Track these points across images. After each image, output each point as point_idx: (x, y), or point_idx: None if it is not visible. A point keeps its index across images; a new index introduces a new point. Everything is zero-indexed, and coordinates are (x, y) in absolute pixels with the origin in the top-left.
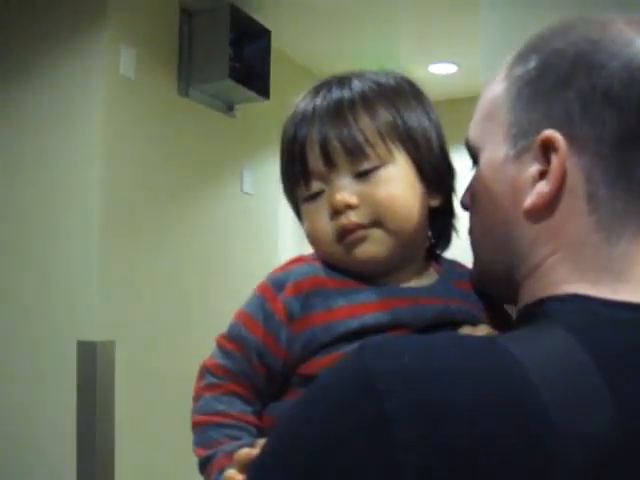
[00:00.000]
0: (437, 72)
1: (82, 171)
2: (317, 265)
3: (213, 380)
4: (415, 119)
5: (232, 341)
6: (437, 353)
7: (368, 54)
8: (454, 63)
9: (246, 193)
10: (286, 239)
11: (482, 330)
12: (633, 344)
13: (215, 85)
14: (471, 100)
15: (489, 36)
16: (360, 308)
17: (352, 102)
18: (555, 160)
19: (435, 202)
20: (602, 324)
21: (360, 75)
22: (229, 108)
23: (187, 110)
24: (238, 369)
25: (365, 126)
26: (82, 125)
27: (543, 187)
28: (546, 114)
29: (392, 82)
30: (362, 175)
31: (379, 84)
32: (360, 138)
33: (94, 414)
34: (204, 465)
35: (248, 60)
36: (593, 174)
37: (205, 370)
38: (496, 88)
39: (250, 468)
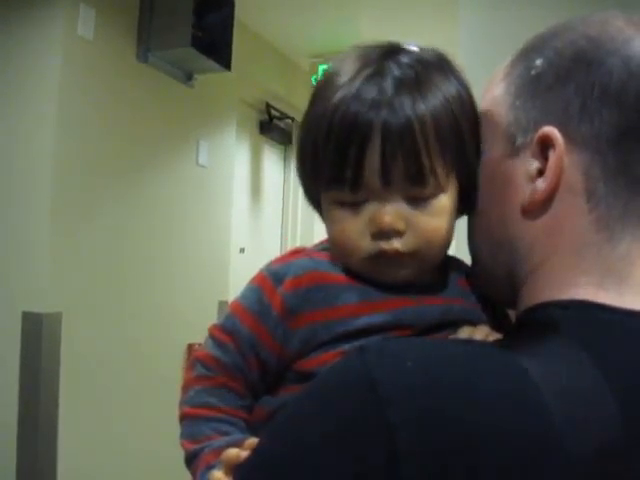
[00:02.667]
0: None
1: (35, 135)
2: (319, 259)
3: (204, 372)
4: (471, 139)
5: (226, 333)
6: (441, 363)
7: (330, 31)
8: (415, 44)
9: (201, 165)
10: (240, 212)
11: (482, 331)
12: (632, 351)
13: (176, 52)
14: None
15: (468, 30)
16: (364, 307)
17: (424, 123)
18: (552, 157)
19: (459, 215)
20: (611, 335)
21: (426, 80)
22: (188, 77)
23: (145, 76)
24: (231, 362)
25: (433, 155)
26: (36, 86)
27: (541, 184)
28: (544, 111)
29: (454, 91)
30: (415, 200)
31: (446, 99)
32: (427, 166)
33: (38, 386)
34: (191, 459)
35: (210, 29)
36: (592, 171)
37: (196, 361)
38: (495, 88)
39: (239, 471)
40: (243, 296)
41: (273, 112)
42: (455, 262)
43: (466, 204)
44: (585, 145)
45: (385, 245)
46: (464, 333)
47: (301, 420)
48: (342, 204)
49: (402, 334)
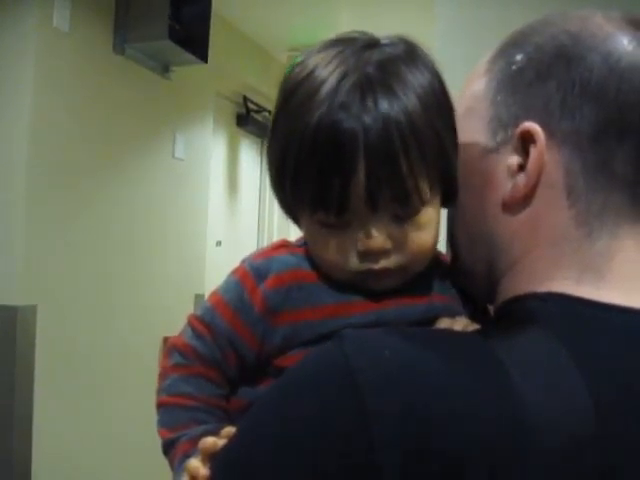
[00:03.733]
0: (385, 39)
1: (9, 127)
2: (301, 255)
3: (181, 360)
4: (449, 137)
5: (205, 325)
6: (418, 352)
7: (309, 24)
8: (386, 39)
9: (177, 158)
10: (216, 205)
11: (460, 322)
12: (617, 348)
13: (153, 44)
14: None
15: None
16: (346, 307)
17: (407, 145)
18: (533, 152)
19: None
20: (588, 328)
21: (401, 82)
22: (165, 70)
23: (121, 68)
24: (208, 353)
25: (418, 174)
26: (11, 78)
27: (521, 179)
28: (526, 107)
29: (431, 95)
30: (402, 219)
31: (425, 106)
32: (411, 187)
33: (13, 379)
34: (168, 448)
35: (187, 21)
36: (572, 167)
37: (173, 349)
38: (476, 83)
39: (216, 459)
40: (223, 289)
41: (250, 105)
42: (435, 257)
43: (446, 198)
44: (566, 141)
45: (374, 265)
46: (443, 324)
47: (280, 408)
48: (325, 225)
49: None
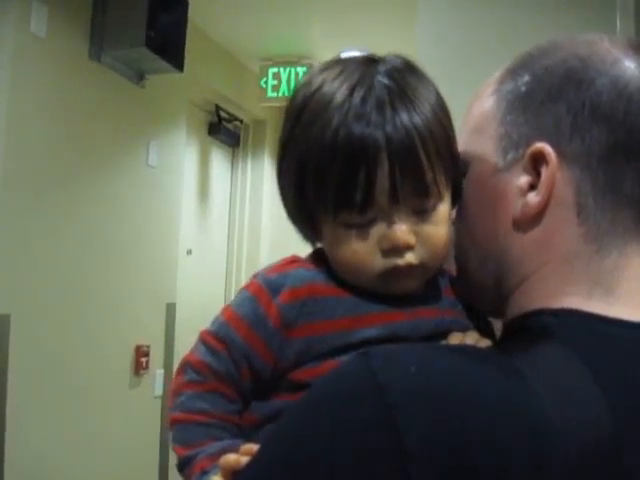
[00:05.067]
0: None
1: None
2: (315, 270)
3: (195, 377)
4: (455, 145)
5: (219, 340)
6: (443, 368)
7: (281, 34)
8: (365, 51)
9: (151, 166)
10: (187, 214)
11: (471, 337)
12: (631, 362)
13: (129, 52)
14: None
15: (424, 33)
16: (361, 321)
17: (424, 137)
18: (545, 172)
19: None
20: (602, 343)
21: (410, 86)
22: (139, 77)
23: (97, 76)
24: (223, 369)
25: (435, 165)
26: None
27: (533, 198)
28: (536, 127)
29: (436, 99)
30: (420, 213)
31: (433, 107)
32: (430, 178)
33: None
34: (184, 465)
35: (164, 30)
36: (582, 186)
37: (187, 365)
38: (485, 103)
39: (241, 477)
40: (237, 304)
41: (222, 114)
42: (441, 271)
43: (452, 199)
44: (576, 161)
45: (399, 261)
46: (455, 339)
47: (308, 424)
48: (349, 226)
49: None
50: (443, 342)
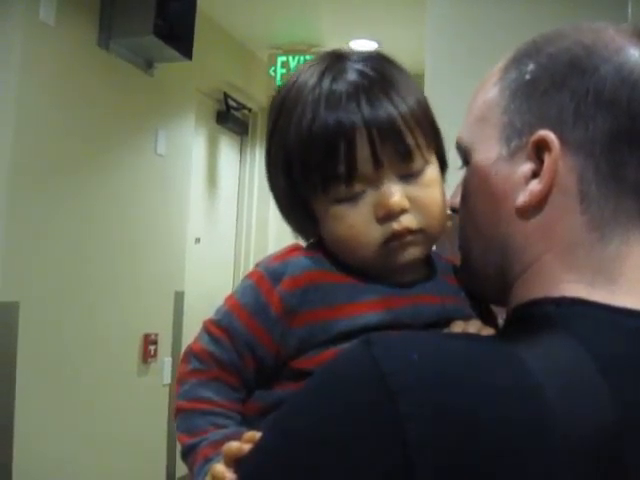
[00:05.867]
0: (358, 49)
1: None
2: (316, 257)
3: (199, 366)
4: (429, 108)
5: (221, 329)
6: (446, 356)
7: (290, 27)
8: (374, 40)
9: (159, 155)
10: (196, 202)
11: (474, 325)
12: (634, 350)
13: (137, 40)
14: None
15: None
16: (362, 307)
17: (398, 103)
18: (548, 159)
19: None
20: (604, 331)
21: (364, 55)
22: (148, 65)
23: (106, 64)
24: (226, 358)
25: (414, 130)
26: None
27: (535, 186)
28: (540, 115)
29: (407, 76)
30: (408, 178)
31: (392, 66)
32: (411, 142)
33: None
34: (187, 453)
35: (172, 18)
36: (585, 174)
37: (191, 354)
38: (489, 91)
39: (243, 464)
40: (239, 293)
41: (230, 102)
42: (441, 259)
43: (442, 163)
44: (579, 149)
45: (396, 225)
46: (457, 327)
47: (311, 411)
48: (341, 201)
49: None
50: (445, 330)
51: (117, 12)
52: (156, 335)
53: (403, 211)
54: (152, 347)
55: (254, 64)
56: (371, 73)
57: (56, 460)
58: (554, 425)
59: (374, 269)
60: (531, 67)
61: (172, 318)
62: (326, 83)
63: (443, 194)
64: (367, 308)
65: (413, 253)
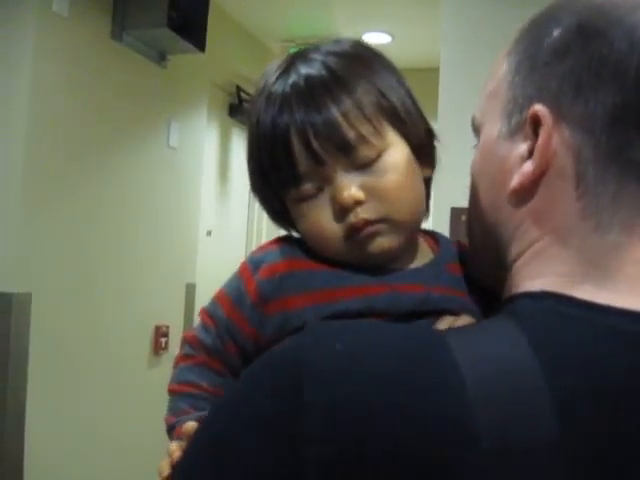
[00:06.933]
0: (371, 41)
1: (7, 112)
2: (295, 246)
3: (189, 351)
4: (392, 91)
5: (209, 317)
6: (370, 348)
7: (303, 19)
8: (388, 33)
9: (171, 147)
10: (207, 195)
11: (463, 321)
12: (584, 347)
13: (150, 32)
14: (405, 71)
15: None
16: (337, 293)
17: (327, 85)
18: (540, 136)
19: (427, 172)
20: (561, 327)
21: (322, 50)
22: (161, 58)
23: (119, 56)
24: (212, 344)
25: (349, 113)
26: (9, 61)
27: (528, 167)
28: (540, 87)
29: (356, 52)
30: (363, 167)
31: (346, 57)
32: (347, 131)
33: (7, 367)
34: (169, 432)
35: (185, 10)
36: (583, 153)
37: (184, 340)
38: (500, 66)
39: (186, 446)
40: (226, 283)
41: (243, 95)
42: (452, 245)
43: (417, 146)
44: (578, 124)
45: (353, 218)
46: (444, 323)
47: (232, 394)
48: (302, 199)
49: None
50: (434, 322)
51: (130, 4)
52: (167, 327)
53: (358, 203)
54: (163, 339)
55: (267, 57)
56: (313, 72)
57: (68, 452)
58: (471, 430)
59: (351, 260)
60: (539, 36)
61: (183, 310)
62: (269, 86)
63: (410, 179)
64: (342, 294)
65: (382, 243)
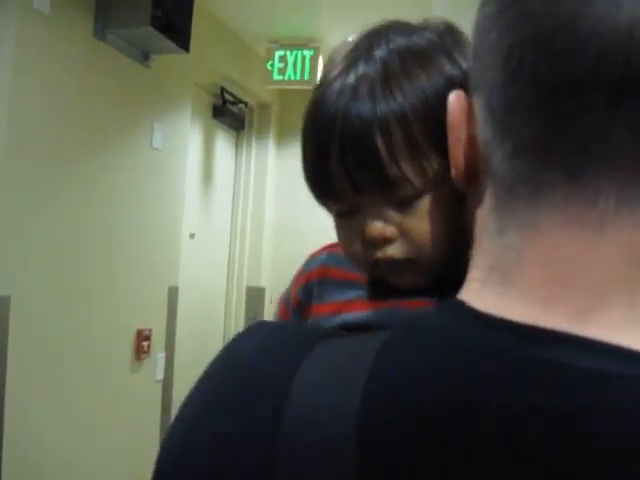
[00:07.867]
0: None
1: None
2: (335, 254)
3: None
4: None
5: (274, 315)
6: (243, 348)
7: (288, 17)
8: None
9: (155, 148)
10: (191, 197)
11: None
12: (431, 363)
13: (134, 31)
14: None
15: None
16: (347, 306)
17: (386, 126)
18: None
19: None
20: (423, 340)
21: (390, 46)
22: (145, 57)
23: (101, 54)
24: None
25: (401, 158)
26: None
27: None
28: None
29: (431, 83)
30: (401, 204)
31: (419, 93)
32: (394, 172)
33: None
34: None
35: (170, 9)
36: (484, 132)
37: None
38: None
39: None
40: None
41: (227, 96)
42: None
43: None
44: (483, 102)
45: (379, 254)
46: None
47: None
48: (339, 214)
49: None
50: None
51: (114, 2)
52: (150, 330)
53: (388, 241)
54: (145, 343)
55: (251, 58)
56: (374, 81)
57: (47, 456)
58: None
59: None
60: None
61: (166, 313)
62: (325, 86)
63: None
64: (351, 307)
65: (406, 280)
